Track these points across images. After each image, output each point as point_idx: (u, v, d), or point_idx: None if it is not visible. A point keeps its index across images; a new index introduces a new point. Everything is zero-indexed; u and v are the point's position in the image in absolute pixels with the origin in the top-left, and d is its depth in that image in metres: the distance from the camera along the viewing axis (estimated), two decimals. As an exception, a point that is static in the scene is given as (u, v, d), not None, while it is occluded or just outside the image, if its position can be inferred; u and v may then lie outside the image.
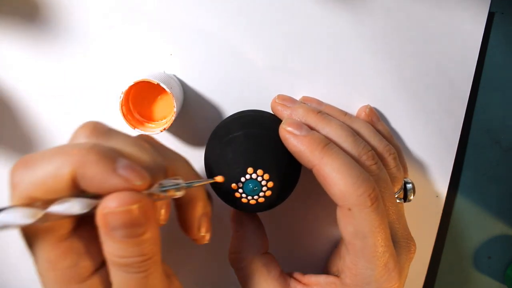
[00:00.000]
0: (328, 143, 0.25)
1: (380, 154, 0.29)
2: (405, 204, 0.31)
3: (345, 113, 0.31)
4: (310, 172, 0.25)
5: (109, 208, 0.18)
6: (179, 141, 0.33)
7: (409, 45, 0.32)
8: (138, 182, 0.18)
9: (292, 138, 0.25)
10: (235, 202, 0.27)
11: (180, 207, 0.25)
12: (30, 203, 0.17)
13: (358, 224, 0.24)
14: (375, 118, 0.32)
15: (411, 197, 0.30)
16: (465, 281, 0.38)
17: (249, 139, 0.26)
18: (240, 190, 0.26)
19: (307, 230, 0.35)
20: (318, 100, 0.32)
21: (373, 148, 0.28)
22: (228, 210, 0.29)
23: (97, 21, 0.31)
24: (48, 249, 0.19)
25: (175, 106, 0.28)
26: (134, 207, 0.18)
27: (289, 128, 0.26)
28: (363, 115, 0.32)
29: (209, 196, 0.26)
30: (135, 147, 0.21)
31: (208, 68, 0.32)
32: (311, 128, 0.27)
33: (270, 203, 0.27)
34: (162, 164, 0.21)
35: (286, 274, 0.29)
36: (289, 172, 0.27)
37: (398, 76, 0.32)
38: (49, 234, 0.19)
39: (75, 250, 0.20)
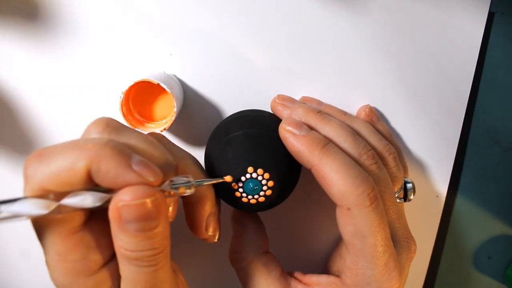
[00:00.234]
0: (328, 143, 0.25)
1: (380, 153, 0.29)
2: (405, 204, 0.31)
3: (345, 113, 0.31)
4: (310, 172, 0.25)
5: (124, 201, 0.18)
6: (179, 141, 0.33)
7: (409, 45, 0.32)
8: (151, 178, 0.18)
9: (291, 137, 0.25)
10: (235, 202, 0.27)
11: (189, 206, 0.25)
12: (43, 195, 0.17)
13: (358, 223, 0.24)
14: (375, 118, 0.32)
15: (411, 197, 0.30)
16: (465, 281, 0.38)
17: (249, 139, 0.26)
18: (241, 190, 0.26)
19: (308, 230, 0.35)
20: (318, 100, 0.32)
21: (373, 148, 0.28)
22: (228, 210, 0.29)
23: (97, 21, 0.31)
24: (59, 241, 0.19)
25: (175, 106, 0.28)
26: (148, 200, 0.18)
27: (289, 128, 0.26)
28: (363, 114, 0.32)
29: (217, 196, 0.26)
30: (147, 144, 0.21)
31: (208, 68, 0.32)
32: (311, 128, 0.27)
33: (270, 202, 0.27)
34: (173, 162, 0.22)
35: (287, 273, 0.29)
36: (289, 171, 0.27)
37: (398, 76, 0.33)
38: (60, 226, 0.19)
39: (86, 243, 0.20)
